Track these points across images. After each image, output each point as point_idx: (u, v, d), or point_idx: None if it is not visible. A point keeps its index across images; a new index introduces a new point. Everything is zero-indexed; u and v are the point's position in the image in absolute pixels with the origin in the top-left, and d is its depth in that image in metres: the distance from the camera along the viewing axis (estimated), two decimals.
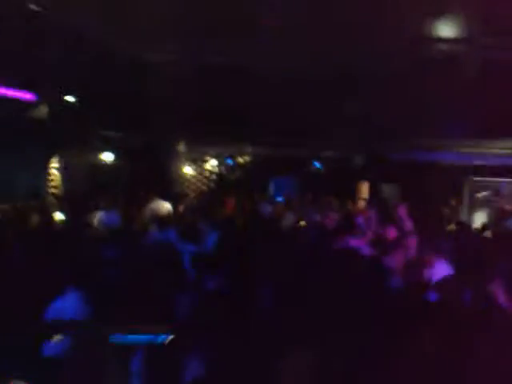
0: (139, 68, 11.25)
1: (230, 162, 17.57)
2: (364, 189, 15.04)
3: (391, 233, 7.49)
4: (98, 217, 9.94)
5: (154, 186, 11.91)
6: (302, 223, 10.63)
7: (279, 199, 14.38)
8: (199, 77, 11.85)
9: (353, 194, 15.00)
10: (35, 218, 8.74)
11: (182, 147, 16.81)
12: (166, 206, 10.80)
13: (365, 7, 7.31)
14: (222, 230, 8.11)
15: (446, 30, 9.11)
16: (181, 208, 12.53)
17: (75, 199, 11.46)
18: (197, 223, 8.74)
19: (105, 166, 14.43)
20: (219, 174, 17.82)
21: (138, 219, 10.16)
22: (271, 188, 17.40)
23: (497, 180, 14.24)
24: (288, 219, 11.12)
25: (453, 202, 13.51)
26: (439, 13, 8.33)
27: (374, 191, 13.51)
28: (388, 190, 14.10)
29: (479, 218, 14.40)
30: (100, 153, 14.22)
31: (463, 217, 14.35)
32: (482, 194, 14.56)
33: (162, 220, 8.89)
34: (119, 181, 14.64)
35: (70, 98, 10.95)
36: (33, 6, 7.96)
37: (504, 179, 14.12)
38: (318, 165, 16.50)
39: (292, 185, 17.11)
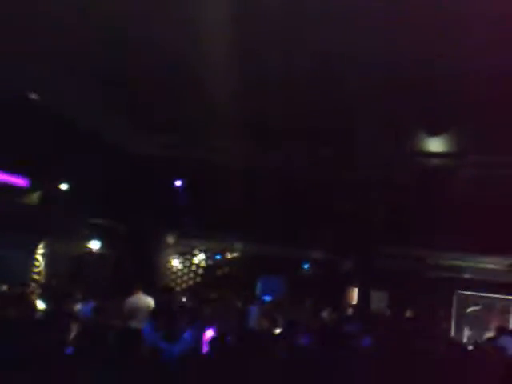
0: (131, 159, 11.45)
1: (218, 257, 17.37)
2: (352, 294, 14.81)
3: None
4: (76, 308, 9.63)
5: (138, 278, 11.65)
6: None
7: (267, 298, 14.07)
8: (192, 172, 12.06)
9: (340, 299, 14.77)
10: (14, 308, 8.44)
11: (170, 239, 16.70)
12: (146, 301, 10.45)
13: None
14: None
15: (438, 145, 9.39)
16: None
17: (56, 288, 11.15)
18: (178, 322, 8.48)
19: (91, 254, 14.21)
20: (207, 269, 17.55)
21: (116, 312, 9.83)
22: (259, 286, 17.09)
23: (488, 295, 14.07)
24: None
25: (441, 314, 13.26)
26: (433, 129, 8.64)
27: (362, 298, 13.27)
28: (376, 297, 13.87)
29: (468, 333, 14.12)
30: (87, 241, 14.06)
31: (452, 331, 14.04)
32: (471, 309, 14.31)
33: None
34: (104, 271, 14.38)
35: (61, 186, 11.02)
36: (32, 96, 8.18)
37: (495, 295, 13.96)
38: (307, 266, 16.32)
39: (279, 284, 16.84)
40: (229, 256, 17.32)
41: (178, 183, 11.96)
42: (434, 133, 8.55)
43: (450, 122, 8.28)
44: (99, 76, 7.63)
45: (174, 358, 6.61)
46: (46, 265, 12.45)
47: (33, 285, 11.58)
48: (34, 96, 8.09)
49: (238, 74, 6.72)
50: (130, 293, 10.50)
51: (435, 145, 9.17)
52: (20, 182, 10.06)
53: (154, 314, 8.97)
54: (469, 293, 14.26)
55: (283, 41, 6.11)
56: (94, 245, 14.22)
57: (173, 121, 9.38)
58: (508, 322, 13.47)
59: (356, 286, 13.98)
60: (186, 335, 7.67)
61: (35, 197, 10.74)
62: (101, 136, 9.96)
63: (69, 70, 7.58)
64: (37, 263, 12.54)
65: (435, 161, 9.86)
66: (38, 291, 10.82)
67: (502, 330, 10.90)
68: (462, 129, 8.61)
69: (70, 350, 6.48)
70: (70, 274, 12.83)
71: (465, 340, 13.39)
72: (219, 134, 9.39)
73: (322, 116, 8.09)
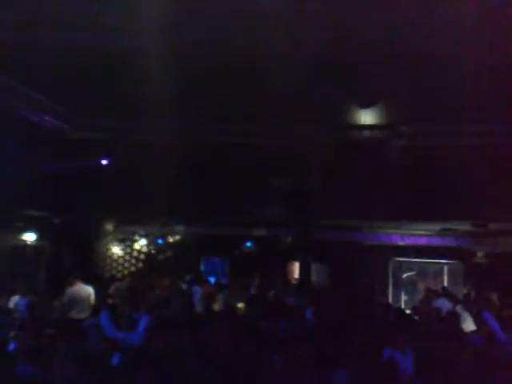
0: (66, 144, 11.11)
1: (160, 241, 17.25)
2: (294, 268, 15.09)
3: None
4: (13, 302, 9.37)
5: (77, 268, 11.42)
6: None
7: (211, 279, 14.14)
8: (131, 153, 11.84)
9: (283, 274, 15.04)
10: None
11: (109, 226, 16.41)
12: (86, 290, 10.30)
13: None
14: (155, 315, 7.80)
15: (370, 117, 9.64)
16: (109, 291, 12.08)
17: None
18: (126, 309, 8.41)
19: (27, 246, 13.77)
20: (148, 254, 17.39)
21: (54, 305, 9.67)
22: (202, 268, 17.14)
23: (421, 260, 14.68)
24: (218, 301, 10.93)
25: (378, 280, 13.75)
26: (364, 102, 8.85)
27: (303, 271, 13.53)
28: (317, 269, 14.20)
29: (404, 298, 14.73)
30: (22, 233, 13.59)
31: (388, 297, 14.58)
32: (406, 275, 14.91)
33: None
34: (41, 262, 13.99)
35: None
36: None
37: (428, 260, 14.58)
38: (249, 244, 16.48)
39: (223, 264, 16.97)
40: (170, 240, 17.24)
41: (107, 164, 11.68)
42: (364, 105, 8.76)
43: (381, 94, 8.50)
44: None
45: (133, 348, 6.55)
46: None
47: None
48: None
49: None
50: (70, 283, 10.32)
51: (368, 117, 9.40)
52: None
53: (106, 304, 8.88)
54: (403, 259, 14.83)
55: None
56: (29, 237, 13.78)
57: (105, 102, 9.15)
58: (441, 284, 14.12)
59: (297, 260, 14.24)
60: (142, 323, 7.58)
61: None
62: (31, 122, 9.58)
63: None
64: None
65: (367, 132, 10.11)
66: None
67: (435, 292, 11.45)
68: (393, 100, 8.86)
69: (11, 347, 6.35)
70: (8, 267, 12.40)
71: (402, 305, 13.97)
72: (152, 113, 9.25)
73: (251, 90, 8.10)
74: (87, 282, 10.62)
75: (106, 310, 7.74)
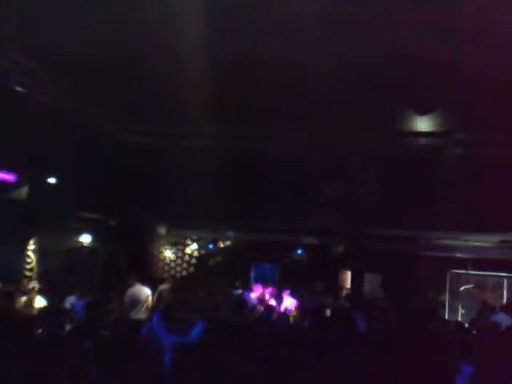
0: (120, 150, 11.34)
1: (211, 246, 17.34)
2: (346, 278, 14.85)
3: None
4: (69, 303, 9.57)
5: (132, 270, 11.61)
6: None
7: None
8: (182, 160, 11.99)
9: (335, 283, 14.82)
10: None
11: (162, 230, 16.63)
12: (145, 292, 10.46)
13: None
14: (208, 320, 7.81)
15: (427, 124, 9.40)
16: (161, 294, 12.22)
17: (49, 284, 11.05)
18: (179, 312, 8.47)
19: (82, 248, 14.12)
20: (199, 259, 17.52)
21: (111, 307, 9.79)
22: (252, 274, 17.11)
23: (479, 273, 14.17)
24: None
25: (432, 295, 13.33)
26: (422, 109, 8.64)
27: (355, 280, 13.30)
28: (370, 279, 13.92)
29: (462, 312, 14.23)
30: (78, 235, 13.95)
31: (445, 309, 14.13)
32: (464, 287, 14.41)
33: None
34: (96, 264, 14.29)
35: (50, 180, 10.89)
36: (18, 88, 8.06)
37: (487, 272, 14.05)
38: (300, 252, 16.34)
39: (274, 271, 16.88)
40: (221, 245, 17.30)
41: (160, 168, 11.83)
42: (422, 112, 8.54)
43: (438, 101, 8.28)
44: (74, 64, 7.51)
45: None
46: (38, 261, 12.33)
47: (26, 281, 11.49)
48: (18, 88, 7.96)
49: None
50: (129, 285, 10.48)
51: (424, 124, 9.18)
52: (8, 177, 9.91)
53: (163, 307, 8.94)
54: (461, 271, 14.35)
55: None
56: (85, 239, 14.12)
57: (160, 108, 9.31)
58: (501, 298, 13.59)
59: (349, 269, 14.01)
60: (197, 328, 7.57)
61: (23, 192, 10.59)
62: (87, 127, 9.85)
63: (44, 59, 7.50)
64: (28, 260, 12.42)
65: (424, 140, 9.87)
66: (36, 287, 10.70)
67: (494, 308, 11.01)
68: (451, 107, 8.62)
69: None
70: (64, 270, 12.74)
71: (459, 318, 13.49)
72: (208, 120, 9.34)
73: (303, 95, 8.04)
74: (143, 283, 10.76)
75: (159, 312, 7.80)
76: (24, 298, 9.38)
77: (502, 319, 9.57)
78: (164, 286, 12.79)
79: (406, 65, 7.03)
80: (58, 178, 11.02)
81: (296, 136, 10.37)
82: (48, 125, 9.02)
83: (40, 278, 11.87)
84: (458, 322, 11.21)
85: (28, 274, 12.50)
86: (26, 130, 8.71)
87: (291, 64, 6.98)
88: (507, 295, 13.81)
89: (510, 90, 7.26)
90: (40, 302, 9.48)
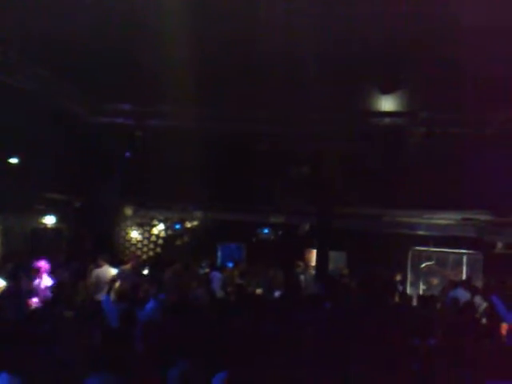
0: (85, 129, 11.17)
1: (178, 226, 17.31)
2: (312, 256, 15.05)
3: None
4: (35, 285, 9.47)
5: (96, 252, 11.53)
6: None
7: (229, 265, 14.18)
8: (148, 139, 11.89)
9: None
10: None
11: (128, 211, 16.53)
12: (111, 272, 10.40)
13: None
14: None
15: (391, 104, 9.53)
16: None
17: (12, 265, 10.89)
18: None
19: (46, 229, 13.93)
20: (166, 239, 17.49)
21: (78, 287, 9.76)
22: (219, 254, 17.20)
23: (440, 250, 14.53)
24: None
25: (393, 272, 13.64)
26: (386, 87, 8.76)
27: (321, 259, 13.49)
28: (335, 257, 14.14)
29: (423, 288, 14.63)
30: (42, 216, 13.75)
31: (408, 286, 14.49)
32: (426, 264, 14.78)
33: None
34: (61, 245, 14.14)
35: (12, 160, 10.69)
36: None
37: (448, 249, 14.42)
38: (266, 231, 16.47)
39: (239, 251, 16.99)
40: (188, 225, 17.29)
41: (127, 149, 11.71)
42: (386, 91, 8.66)
43: (403, 80, 8.41)
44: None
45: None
46: (1, 242, 12.15)
47: None
48: None
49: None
50: (97, 265, 10.41)
51: (387, 103, 9.30)
52: None
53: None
54: (422, 248, 14.69)
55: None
56: (49, 220, 13.94)
57: (123, 88, 9.18)
58: (460, 274, 13.99)
59: (314, 248, 14.19)
60: (149, 305, 7.69)
61: None
62: (51, 106, 9.66)
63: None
64: None
65: (387, 119, 10.01)
66: None
67: (454, 283, 11.36)
68: (415, 87, 8.76)
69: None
70: (28, 251, 12.55)
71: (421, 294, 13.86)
72: (169, 99, 9.27)
73: (267, 75, 8.06)
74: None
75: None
76: None
77: (461, 295, 9.92)
78: (125, 267, 12.75)
79: (369, 46, 7.11)
80: (20, 158, 10.82)
81: (261, 116, 10.37)
82: (9, 105, 8.83)
83: (3, 260, 11.70)
84: (421, 296, 11.53)
85: None
86: None
87: (253, 43, 6.98)
88: (467, 271, 14.23)
89: (472, 70, 7.42)
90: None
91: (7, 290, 8.65)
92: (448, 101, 9.04)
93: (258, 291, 10.54)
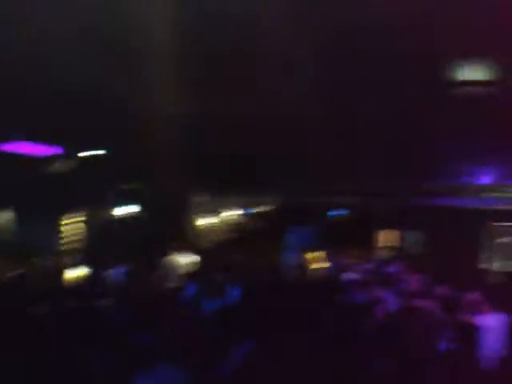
0: (157, 121, 11.33)
1: (249, 211, 17.40)
2: (386, 237, 14.74)
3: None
4: (109, 274, 9.77)
5: (171, 239, 11.77)
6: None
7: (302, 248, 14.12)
8: (219, 128, 11.92)
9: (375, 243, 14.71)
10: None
11: (201, 198, 16.75)
12: (183, 260, 10.62)
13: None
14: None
15: (469, 73, 9.04)
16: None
17: (91, 255, 11.33)
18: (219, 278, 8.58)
19: (121, 219, 14.34)
20: (238, 224, 17.61)
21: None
22: (290, 238, 17.15)
23: None
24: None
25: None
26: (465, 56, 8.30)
27: (396, 239, 13.18)
28: (409, 237, 13.76)
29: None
30: (117, 206, 14.16)
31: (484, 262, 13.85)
32: (500, 240, 14.07)
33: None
34: (136, 234, 14.53)
35: (88, 153, 11.05)
36: None
37: None
38: (337, 213, 16.26)
39: (311, 234, 16.85)
40: (259, 210, 17.35)
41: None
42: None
43: None
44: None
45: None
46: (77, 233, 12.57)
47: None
48: None
49: None
50: (167, 253, 10.63)
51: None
52: (47, 151, 10.09)
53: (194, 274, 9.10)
54: (498, 224, 13.97)
55: None
56: (125, 210, 14.33)
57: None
58: None
59: (390, 228, 13.83)
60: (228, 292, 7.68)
61: (63, 165, 10.80)
62: (122, 102, 9.84)
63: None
64: (65, 232, 12.68)
65: (466, 89, 9.50)
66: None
67: None
68: None
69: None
70: (104, 241, 12.98)
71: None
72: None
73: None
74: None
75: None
76: None
77: None
78: None
79: None
80: (96, 151, 11.13)
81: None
82: (84, 100, 9.05)
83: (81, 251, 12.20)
84: None
85: (66, 247, 12.85)
86: (66, 105, 8.76)
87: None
88: None
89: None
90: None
91: None
92: None
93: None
